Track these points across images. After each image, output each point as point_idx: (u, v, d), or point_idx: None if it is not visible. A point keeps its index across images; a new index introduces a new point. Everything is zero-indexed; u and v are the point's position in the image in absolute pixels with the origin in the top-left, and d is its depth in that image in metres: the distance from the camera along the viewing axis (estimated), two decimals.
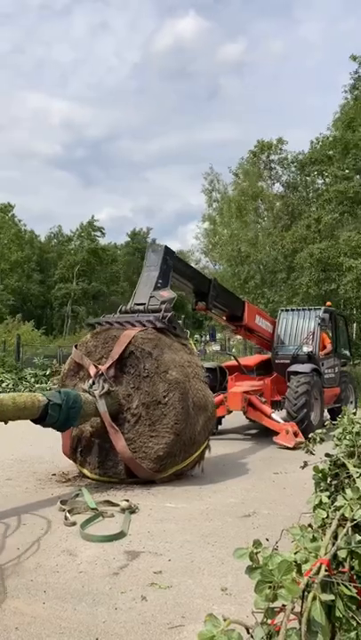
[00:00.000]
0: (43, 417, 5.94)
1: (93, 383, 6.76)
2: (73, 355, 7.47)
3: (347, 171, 26.09)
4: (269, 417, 10.09)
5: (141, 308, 7.57)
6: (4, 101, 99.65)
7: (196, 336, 28.71)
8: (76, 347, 7.52)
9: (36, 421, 6.02)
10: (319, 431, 4.56)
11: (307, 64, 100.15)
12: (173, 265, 8.23)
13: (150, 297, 7.61)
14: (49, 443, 9.54)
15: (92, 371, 6.88)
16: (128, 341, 6.78)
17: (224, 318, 10.88)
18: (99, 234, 65.89)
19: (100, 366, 6.89)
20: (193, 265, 41.00)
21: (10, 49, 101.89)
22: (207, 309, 9.93)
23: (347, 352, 13.35)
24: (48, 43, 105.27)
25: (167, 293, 7.68)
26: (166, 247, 8.17)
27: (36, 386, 15.62)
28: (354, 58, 25.60)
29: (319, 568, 1.72)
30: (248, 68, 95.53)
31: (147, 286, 7.80)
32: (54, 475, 7.31)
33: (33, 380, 16.07)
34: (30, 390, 15.36)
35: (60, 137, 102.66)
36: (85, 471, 6.96)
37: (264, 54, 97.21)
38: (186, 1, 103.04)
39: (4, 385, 15.67)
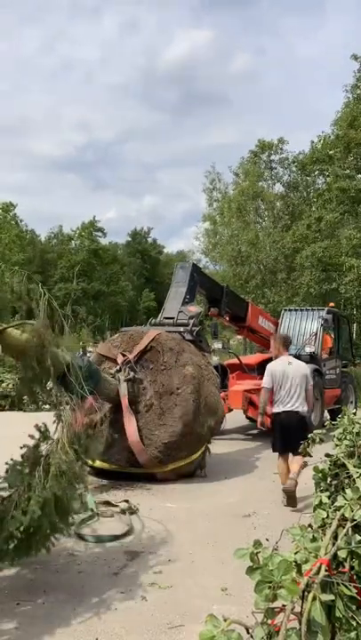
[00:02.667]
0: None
1: (119, 370, 6.98)
2: (99, 348, 7.94)
3: (347, 170, 26.08)
4: (270, 416, 10.06)
5: (170, 322, 8.05)
6: (17, 102, 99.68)
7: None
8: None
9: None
10: (319, 431, 4.56)
11: (309, 65, 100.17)
12: (199, 280, 8.88)
13: (179, 312, 8.15)
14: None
15: (120, 359, 7.08)
16: (154, 336, 7.19)
17: (227, 319, 10.88)
18: (100, 234, 65.87)
19: (127, 354, 7.13)
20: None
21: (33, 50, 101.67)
22: (220, 315, 10.19)
23: (349, 355, 13.35)
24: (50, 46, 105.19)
25: (195, 308, 8.24)
26: (194, 265, 9.00)
27: None
28: (355, 57, 25.59)
29: (319, 568, 1.72)
30: (261, 72, 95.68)
31: (175, 301, 8.37)
32: None
33: None
34: None
35: (73, 138, 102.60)
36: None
37: (280, 59, 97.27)
38: (199, 11, 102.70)
39: (4, 385, 15.63)
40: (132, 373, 6.92)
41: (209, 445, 7.44)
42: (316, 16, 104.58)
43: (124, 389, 6.73)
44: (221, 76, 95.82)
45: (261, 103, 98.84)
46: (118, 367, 7.02)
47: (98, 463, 6.74)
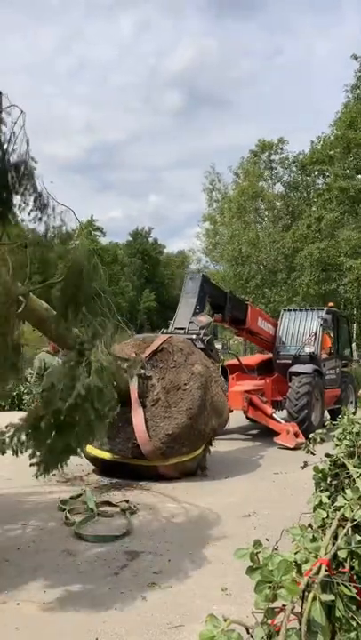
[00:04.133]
0: None
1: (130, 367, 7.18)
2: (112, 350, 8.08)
3: (348, 170, 26.07)
4: (270, 417, 10.07)
5: (182, 332, 8.38)
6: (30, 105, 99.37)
7: None
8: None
9: None
10: (319, 431, 4.55)
11: (315, 68, 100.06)
12: (208, 290, 9.30)
13: (190, 322, 8.52)
14: None
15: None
16: (165, 339, 7.63)
17: (227, 321, 10.87)
18: (99, 233, 65.77)
19: (140, 354, 7.35)
20: (193, 265, 40.96)
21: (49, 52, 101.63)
22: (223, 320, 10.31)
23: (348, 354, 13.34)
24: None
25: (205, 319, 8.63)
26: (203, 276, 9.41)
27: None
28: (355, 57, 25.60)
29: (319, 568, 1.72)
30: (265, 75, 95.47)
31: (186, 312, 8.74)
32: (54, 475, 7.30)
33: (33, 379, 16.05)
34: (30, 391, 15.34)
35: (79, 139, 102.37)
36: (90, 447, 6.84)
37: (288, 61, 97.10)
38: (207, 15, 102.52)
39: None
40: (142, 370, 7.05)
41: (210, 447, 7.47)
42: (333, 15, 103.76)
43: (134, 383, 6.97)
44: (227, 79, 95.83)
45: (268, 105, 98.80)
46: (129, 364, 7.22)
47: (102, 453, 6.91)
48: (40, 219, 4.34)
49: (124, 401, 6.84)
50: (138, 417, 6.84)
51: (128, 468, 6.86)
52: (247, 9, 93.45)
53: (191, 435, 6.85)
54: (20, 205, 4.19)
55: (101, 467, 7.26)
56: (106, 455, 6.89)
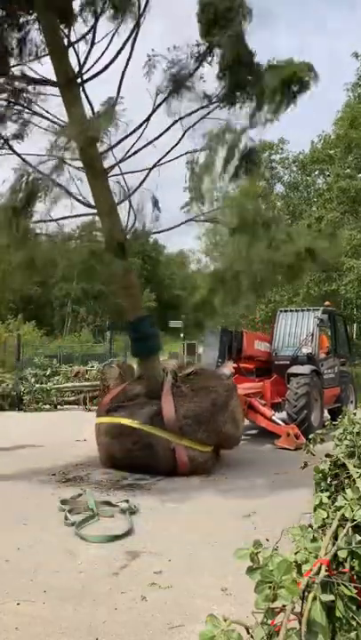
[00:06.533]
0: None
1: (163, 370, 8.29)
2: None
3: (348, 170, 26.04)
4: (270, 419, 10.04)
5: None
6: None
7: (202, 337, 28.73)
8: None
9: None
10: (320, 431, 4.56)
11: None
12: (227, 340, 9.97)
13: None
14: (50, 442, 9.55)
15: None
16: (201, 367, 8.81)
17: (233, 358, 10.84)
18: (100, 234, 65.59)
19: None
20: (194, 265, 40.90)
21: None
22: (230, 359, 10.40)
23: (346, 352, 13.33)
24: None
25: (227, 371, 9.16)
26: (222, 329, 10.16)
27: (37, 386, 15.61)
28: (356, 55, 25.55)
29: (319, 568, 1.72)
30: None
31: (209, 365, 9.57)
32: (54, 475, 7.31)
33: (33, 380, 16.04)
34: (30, 391, 15.36)
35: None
36: (117, 417, 7.53)
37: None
38: None
39: (4, 385, 15.67)
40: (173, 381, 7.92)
41: (218, 456, 7.72)
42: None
43: (168, 377, 7.87)
44: None
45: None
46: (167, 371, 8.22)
47: (119, 419, 7.43)
48: None
49: (158, 393, 7.64)
50: (167, 396, 7.52)
51: (137, 461, 7.19)
52: None
53: (210, 423, 7.35)
54: None
55: (111, 460, 7.55)
56: (125, 420, 7.35)
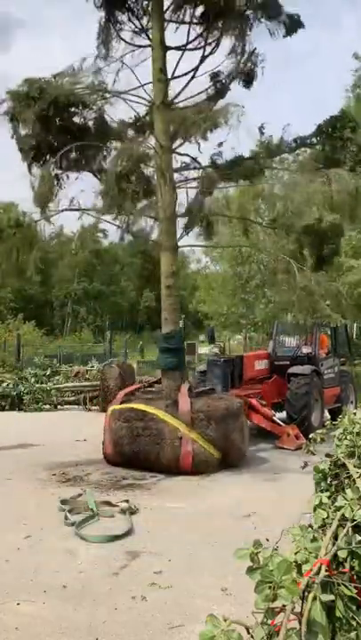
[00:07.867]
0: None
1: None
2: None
3: None
4: (271, 420, 10.02)
5: None
6: None
7: (202, 337, 28.77)
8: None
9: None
10: (320, 431, 4.56)
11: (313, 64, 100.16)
12: (231, 370, 10.23)
13: None
14: (50, 442, 9.54)
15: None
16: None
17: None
18: (101, 235, 65.66)
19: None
20: (193, 265, 40.83)
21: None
22: (233, 387, 10.32)
23: (346, 352, 13.34)
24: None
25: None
26: (224, 360, 10.38)
27: (37, 386, 15.61)
28: (356, 56, 25.55)
29: (319, 568, 1.71)
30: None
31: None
32: (54, 475, 7.31)
33: (33, 379, 16.03)
34: (30, 390, 15.36)
35: None
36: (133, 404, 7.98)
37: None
38: None
39: (4, 385, 15.67)
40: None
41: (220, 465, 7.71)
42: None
43: (185, 384, 8.26)
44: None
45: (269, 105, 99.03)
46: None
47: (140, 405, 7.78)
48: None
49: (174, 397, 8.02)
50: (184, 394, 7.91)
51: (142, 447, 7.42)
52: None
53: (220, 423, 7.57)
54: None
55: (116, 446, 7.75)
56: (140, 405, 7.73)
